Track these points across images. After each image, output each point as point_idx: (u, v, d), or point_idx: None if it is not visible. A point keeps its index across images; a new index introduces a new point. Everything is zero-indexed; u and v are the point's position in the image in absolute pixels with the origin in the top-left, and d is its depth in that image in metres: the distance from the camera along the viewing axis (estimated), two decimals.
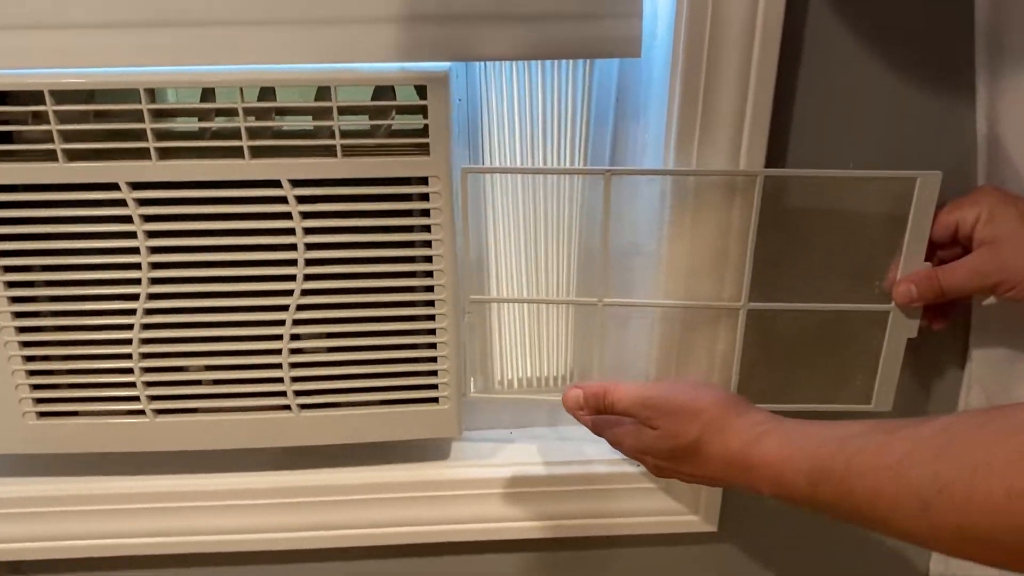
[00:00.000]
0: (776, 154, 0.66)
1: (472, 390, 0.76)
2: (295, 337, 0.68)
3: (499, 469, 0.76)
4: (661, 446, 0.60)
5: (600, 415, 0.65)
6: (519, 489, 0.76)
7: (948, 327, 0.69)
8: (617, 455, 0.74)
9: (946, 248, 0.65)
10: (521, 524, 0.77)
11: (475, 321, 0.71)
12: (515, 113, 0.68)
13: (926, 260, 0.64)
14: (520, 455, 0.78)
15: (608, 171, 0.64)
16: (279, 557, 0.79)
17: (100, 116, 0.61)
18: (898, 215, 0.63)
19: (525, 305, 0.73)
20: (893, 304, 0.66)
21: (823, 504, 0.50)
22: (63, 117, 0.60)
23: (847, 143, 0.66)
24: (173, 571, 0.80)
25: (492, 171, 0.67)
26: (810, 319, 0.68)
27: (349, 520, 0.75)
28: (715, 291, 0.67)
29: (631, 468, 0.77)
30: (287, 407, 0.70)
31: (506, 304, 0.74)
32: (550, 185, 0.69)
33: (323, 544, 0.76)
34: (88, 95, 0.62)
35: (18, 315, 0.67)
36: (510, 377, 0.77)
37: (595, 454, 0.78)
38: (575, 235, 0.72)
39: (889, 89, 0.65)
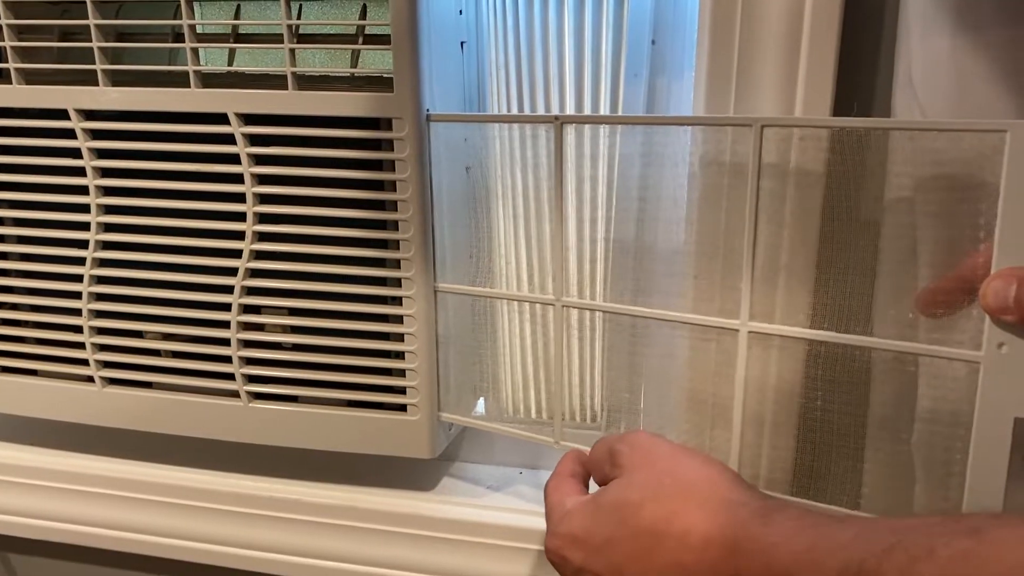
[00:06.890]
0: (851, 103, 0.46)
1: (479, 410, 0.62)
2: (246, 309, 0.58)
3: (485, 512, 0.60)
4: (617, 497, 0.41)
5: None
6: (504, 542, 0.59)
7: None
8: None
9: None
10: None
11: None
12: (526, 58, 0.54)
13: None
14: (520, 500, 0.62)
15: (557, 118, 0.50)
16: (188, 570, 0.67)
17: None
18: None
19: (539, 318, 0.57)
20: (983, 351, 0.39)
21: None
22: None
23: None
24: (78, 566, 0.72)
25: (451, 119, 0.53)
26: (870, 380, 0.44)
27: (284, 542, 0.62)
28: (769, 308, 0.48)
29: None
30: (236, 394, 0.59)
31: (516, 314, 0.59)
32: (567, 156, 0.53)
33: (249, 566, 0.63)
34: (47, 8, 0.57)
35: None
36: (524, 405, 0.62)
37: None
38: (602, 226, 0.56)
39: None
